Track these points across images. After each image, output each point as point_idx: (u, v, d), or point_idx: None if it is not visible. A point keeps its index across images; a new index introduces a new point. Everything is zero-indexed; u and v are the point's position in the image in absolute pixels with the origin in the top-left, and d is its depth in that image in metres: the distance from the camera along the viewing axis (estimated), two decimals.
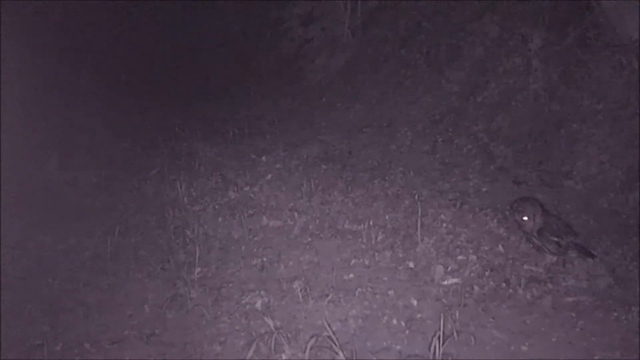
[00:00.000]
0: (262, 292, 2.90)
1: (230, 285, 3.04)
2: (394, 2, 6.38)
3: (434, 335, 2.33)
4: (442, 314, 2.46)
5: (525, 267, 2.95)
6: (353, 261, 3.18)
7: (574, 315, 2.55)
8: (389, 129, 5.23)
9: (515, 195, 3.72)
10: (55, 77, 6.21)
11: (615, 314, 2.51)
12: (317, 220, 3.67)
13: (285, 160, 4.89)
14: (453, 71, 5.43)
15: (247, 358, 2.40)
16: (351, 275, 3.04)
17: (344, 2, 6.48)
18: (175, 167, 4.75)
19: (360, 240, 3.37)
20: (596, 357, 2.27)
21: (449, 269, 2.99)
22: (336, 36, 6.58)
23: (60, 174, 4.83)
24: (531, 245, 3.04)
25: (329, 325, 2.47)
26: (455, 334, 2.43)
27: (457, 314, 2.57)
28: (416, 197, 3.86)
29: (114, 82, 6.86)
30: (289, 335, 2.50)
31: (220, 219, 3.81)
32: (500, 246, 3.16)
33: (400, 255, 3.19)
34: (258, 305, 2.80)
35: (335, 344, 2.32)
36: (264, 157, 4.95)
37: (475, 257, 3.06)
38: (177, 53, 7.89)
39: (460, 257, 3.08)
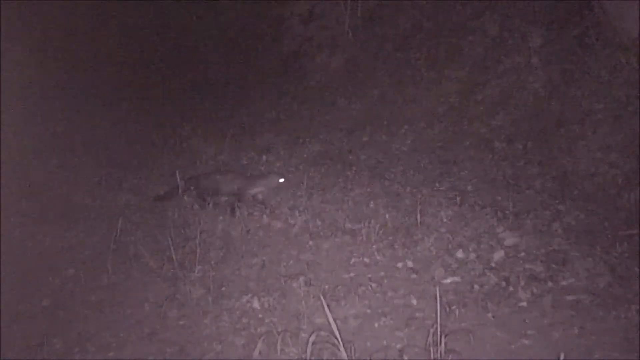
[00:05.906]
0: (262, 291, 2.90)
1: (231, 284, 3.04)
2: (394, 1, 6.39)
3: (434, 333, 2.33)
4: (441, 313, 2.46)
5: (525, 266, 2.95)
6: (353, 260, 3.17)
7: (573, 313, 2.54)
8: (389, 128, 5.23)
9: (515, 195, 3.72)
10: (55, 77, 6.22)
11: (614, 313, 2.51)
12: (317, 219, 3.67)
13: (286, 158, 4.89)
14: (453, 70, 5.43)
15: (248, 358, 2.41)
16: (351, 274, 3.04)
17: (345, 1, 6.48)
18: (175, 167, 4.74)
19: (360, 239, 3.37)
20: (596, 356, 2.26)
21: (449, 267, 2.99)
22: (337, 35, 6.58)
23: (60, 173, 4.83)
24: None
25: (329, 324, 2.46)
26: (455, 332, 2.43)
27: (457, 313, 2.57)
28: (416, 196, 3.86)
29: (114, 81, 6.87)
30: (289, 334, 2.51)
31: (220, 218, 3.81)
32: (500, 245, 3.16)
33: (400, 254, 3.19)
34: (258, 304, 2.80)
35: (335, 343, 2.32)
36: (264, 156, 4.95)
37: (475, 256, 3.06)
38: (177, 53, 7.90)
39: (460, 256, 3.08)
